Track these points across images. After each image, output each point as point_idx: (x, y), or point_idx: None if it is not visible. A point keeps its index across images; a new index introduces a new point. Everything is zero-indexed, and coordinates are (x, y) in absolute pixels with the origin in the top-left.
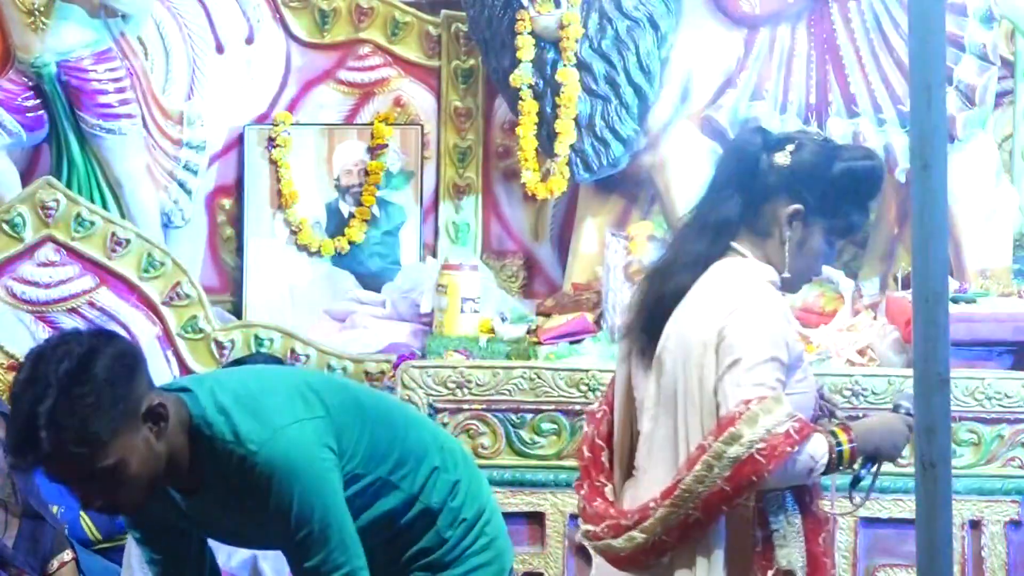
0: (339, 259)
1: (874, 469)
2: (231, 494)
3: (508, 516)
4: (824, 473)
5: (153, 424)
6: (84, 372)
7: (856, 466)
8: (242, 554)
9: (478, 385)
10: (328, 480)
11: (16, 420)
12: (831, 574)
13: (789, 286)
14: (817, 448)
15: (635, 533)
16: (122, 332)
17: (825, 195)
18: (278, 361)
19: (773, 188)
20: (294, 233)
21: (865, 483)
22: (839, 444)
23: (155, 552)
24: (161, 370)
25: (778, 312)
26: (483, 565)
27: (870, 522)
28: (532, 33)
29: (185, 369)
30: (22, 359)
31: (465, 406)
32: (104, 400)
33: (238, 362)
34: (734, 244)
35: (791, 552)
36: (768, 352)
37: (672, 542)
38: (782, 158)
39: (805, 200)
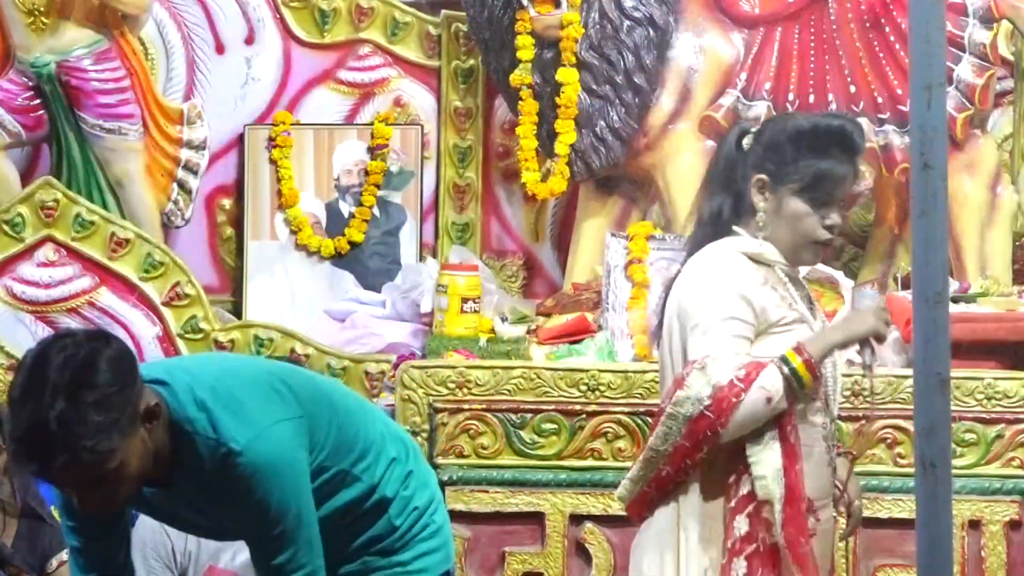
0: (339, 259)
1: (869, 351)
2: (206, 488)
3: (508, 516)
4: (795, 393)
5: (149, 423)
6: (89, 377)
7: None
8: (246, 554)
9: (478, 385)
10: (304, 481)
11: (22, 428)
12: (807, 504)
13: (794, 257)
14: (767, 379)
15: (626, 482)
16: (122, 332)
17: (782, 157)
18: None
19: (747, 171)
20: (294, 233)
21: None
22: (790, 366)
23: (81, 539)
24: None
25: (736, 275)
26: (431, 551)
27: (870, 522)
28: (532, 33)
29: None
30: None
31: (465, 406)
32: (113, 405)
33: None
34: (736, 228)
35: (768, 483)
36: (722, 312)
37: (653, 494)
38: (747, 141)
39: (767, 169)
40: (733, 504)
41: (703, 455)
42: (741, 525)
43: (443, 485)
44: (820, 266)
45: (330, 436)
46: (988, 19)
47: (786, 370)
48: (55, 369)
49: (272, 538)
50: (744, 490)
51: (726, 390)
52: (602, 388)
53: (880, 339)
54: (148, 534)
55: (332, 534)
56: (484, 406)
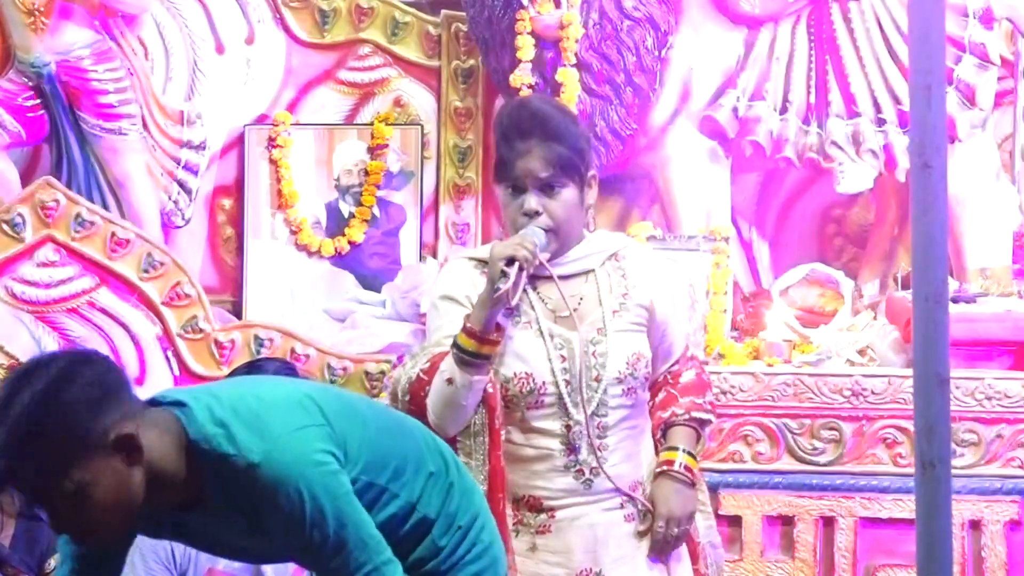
0: (339, 259)
1: (512, 271)
2: (236, 508)
3: None
4: (475, 359)
5: (125, 454)
6: (46, 402)
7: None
8: None
9: None
10: (336, 482)
11: None
12: (503, 486)
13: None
14: (445, 363)
15: None
16: (122, 332)
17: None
18: (291, 368)
19: None
20: (294, 233)
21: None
22: (456, 343)
23: (78, 558)
24: (161, 370)
25: (442, 281)
26: (479, 573)
27: (870, 522)
28: (532, 33)
29: (185, 369)
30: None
31: None
32: (60, 431)
33: (250, 365)
34: None
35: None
36: (432, 318)
37: None
38: None
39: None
40: None
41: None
42: None
43: None
44: (819, 266)
45: (362, 451)
46: (988, 19)
47: (455, 352)
48: (19, 392)
49: (319, 547)
50: None
51: (416, 385)
52: None
53: (511, 261)
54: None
55: None
56: None
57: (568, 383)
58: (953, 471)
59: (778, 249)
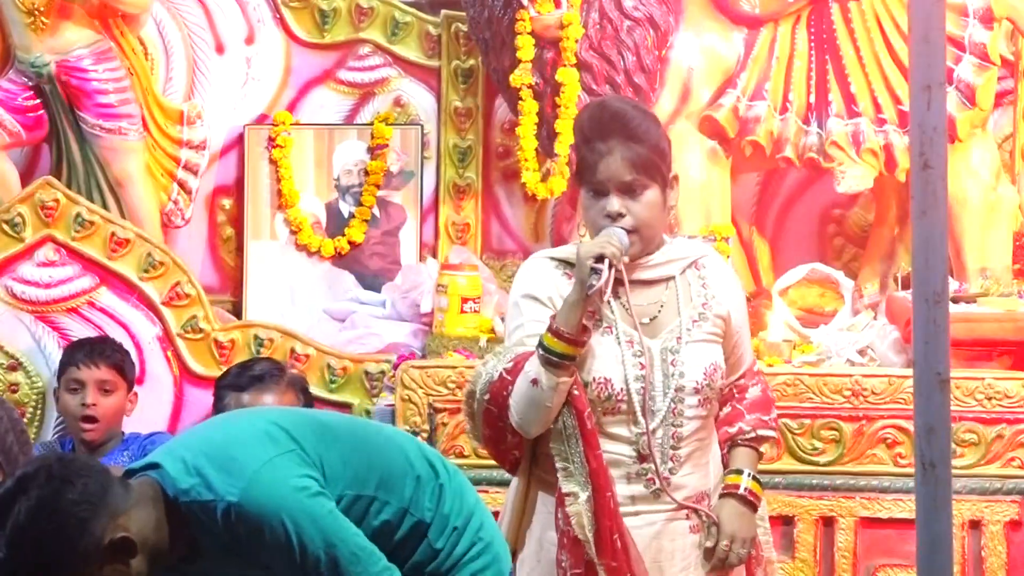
0: (339, 259)
1: (603, 267)
2: (227, 549)
3: None
4: (561, 360)
5: (122, 553)
6: (36, 524)
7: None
8: None
9: None
10: (316, 503)
11: None
12: (609, 483)
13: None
14: (530, 364)
15: None
16: (122, 332)
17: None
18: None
19: None
20: (294, 233)
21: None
22: (542, 344)
23: None
24: (161, 370)
25: (523, 278)
26: (480, 571)
27: (870, 522)
28: (532, 33)
29: (185, 369)
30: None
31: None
32: (54, 552)
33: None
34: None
35: (574, 485)
36: (513, 318)
37: (507, 465)
38: None
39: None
40: (556, 496)
41: (512, 440)
42: (561, 518)
43: None
44: (819, 266)
45: (343, 467)
46: (988, 19)
47: (540, 351)
48: (9, 513)
49: (313, 570)
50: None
51: (498, 384)
52: None
53: (600, 259)
54: None
55: None
56: None
57: (644, 391)
58: (953, 471)
59: (778, 249)
